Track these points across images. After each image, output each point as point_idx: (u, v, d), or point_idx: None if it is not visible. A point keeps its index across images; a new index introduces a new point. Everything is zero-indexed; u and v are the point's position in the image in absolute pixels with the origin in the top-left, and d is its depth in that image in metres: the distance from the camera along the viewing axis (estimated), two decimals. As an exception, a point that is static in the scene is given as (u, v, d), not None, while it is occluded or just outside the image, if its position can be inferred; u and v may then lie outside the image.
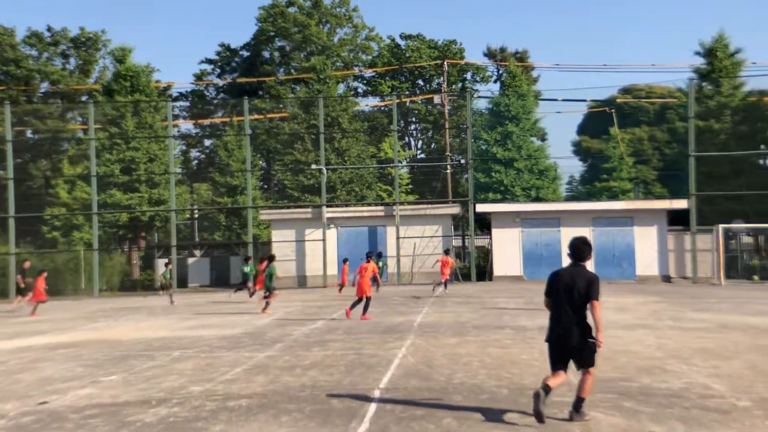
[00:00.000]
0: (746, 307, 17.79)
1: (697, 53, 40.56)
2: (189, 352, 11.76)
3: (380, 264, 26.01)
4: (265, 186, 53.11)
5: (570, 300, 6.53)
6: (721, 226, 30.35)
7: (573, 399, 6.66)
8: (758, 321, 14.52)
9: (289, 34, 55.23)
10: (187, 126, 59.04)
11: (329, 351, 11.28)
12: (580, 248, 6.74)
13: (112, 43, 52.26)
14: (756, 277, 32.26)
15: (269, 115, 50.27)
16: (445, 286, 24.09)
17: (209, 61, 59.39)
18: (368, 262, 17.03)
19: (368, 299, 16.42)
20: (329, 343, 12.17)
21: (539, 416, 6.32)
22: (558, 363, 6.62)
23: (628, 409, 6.90)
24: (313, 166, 36.39)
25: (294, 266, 33.61)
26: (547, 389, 6.35)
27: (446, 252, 25.05)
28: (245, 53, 59.06)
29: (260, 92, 53.68)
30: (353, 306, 16.60)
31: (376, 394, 7.89)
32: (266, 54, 58.61)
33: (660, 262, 31.78)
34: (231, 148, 42.44)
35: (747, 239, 38.04)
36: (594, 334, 6.47)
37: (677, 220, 32.80)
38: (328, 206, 34.29)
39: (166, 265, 26.79)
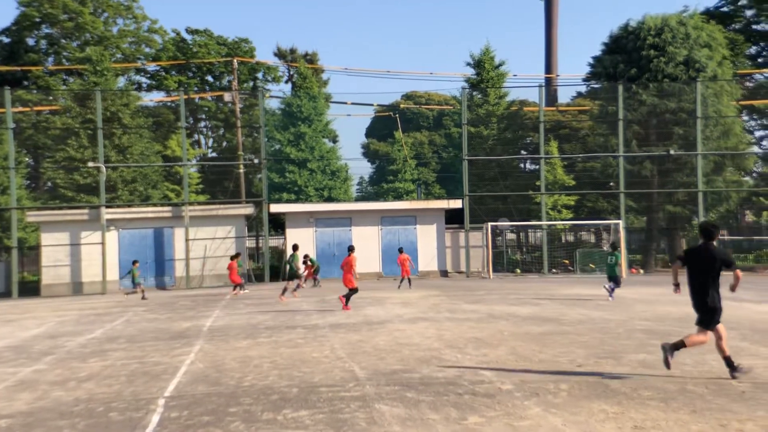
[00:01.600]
0: (510, 298, 19.82)
1: (468, 64, 44.30)
2: (-64, 374, 10.25)
3: (313, 263, 26.66)
4: (33, 185, 47.88)
5: (702, 271, 7.94)
6: (489, 224, 33.53)
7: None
8: (519, 310, 16.28)
9: (58, 21, 50.16)
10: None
11: (108, 361, 10.53)
12: (708, 230, 8.17)
13: None
14: (518, 270, 36.10)
15: (37, 108, 45.34)
16: (402, 283, 25.19)
17: (-41, 45, 51.95)
18: (349, 256, 17.71)
19: (351, 290, 17.34)
20: (109, 353, 11.36)
21: (666, 364, 7.86)
22: (698, 323, 8.07)
23: (409, 399, 7.31)
24: (90, 164, 33.57)
25: (68, 272, 30.89)
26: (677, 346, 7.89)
27: (400, 250, 26.06)
28: (5, 39, 52.53)
29: (25, 82, 48.20)
30: (347, 299, 17.27)
31: (161, 403, 7.54)
32: (31, 41, 52.62)
33: (439, 258, 34.23)
34: (-10, 142, 37.63)
35: (511, 236, 42.48)
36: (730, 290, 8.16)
37: (453, 218, 35.58)
38: (107, 207, 31.97)
39: (134, 263, 24.96)
